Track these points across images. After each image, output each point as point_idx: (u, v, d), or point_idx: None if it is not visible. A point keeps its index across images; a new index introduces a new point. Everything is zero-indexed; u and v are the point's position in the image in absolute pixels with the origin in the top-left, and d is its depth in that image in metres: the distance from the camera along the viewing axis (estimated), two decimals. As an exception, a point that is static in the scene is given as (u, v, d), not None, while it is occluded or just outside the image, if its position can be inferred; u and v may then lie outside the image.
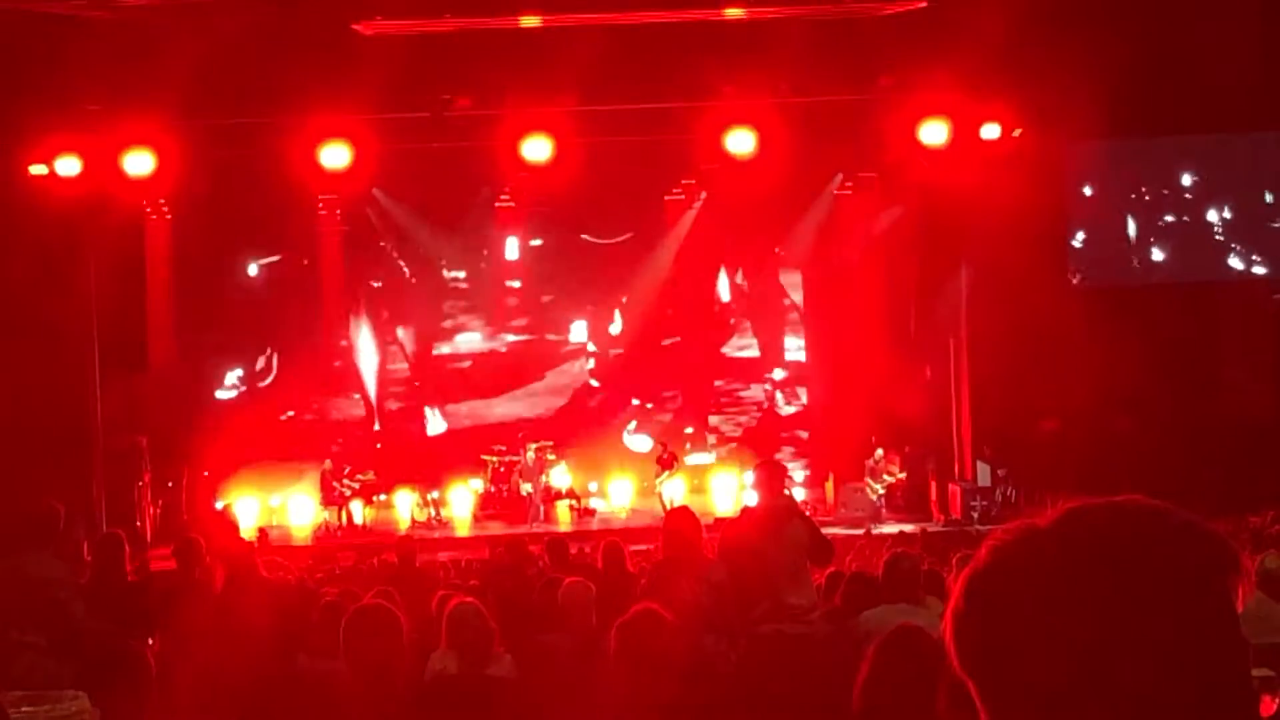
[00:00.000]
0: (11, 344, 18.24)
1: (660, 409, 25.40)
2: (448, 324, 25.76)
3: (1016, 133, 19.89)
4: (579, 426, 24.95)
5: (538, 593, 9.13)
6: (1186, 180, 22.06)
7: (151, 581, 10.51)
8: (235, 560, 8.05)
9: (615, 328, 25.73)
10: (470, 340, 25.79)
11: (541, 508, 22.18)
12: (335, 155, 19.23)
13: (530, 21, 18.33)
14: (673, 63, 18.68)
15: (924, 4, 17.63)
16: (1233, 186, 22.04)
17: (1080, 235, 21.95)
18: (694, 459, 24.10)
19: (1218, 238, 22.08)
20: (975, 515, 20.63)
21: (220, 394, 24.31)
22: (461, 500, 22.97)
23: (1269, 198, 22.00)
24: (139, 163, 18.90)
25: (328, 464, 23.03)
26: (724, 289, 25.88)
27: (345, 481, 22.69)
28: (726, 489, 22.64)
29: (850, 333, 23.51)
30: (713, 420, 25.47)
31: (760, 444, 23.77)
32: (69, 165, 18.62)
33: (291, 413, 24.51)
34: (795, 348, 25.74)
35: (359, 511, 22.29)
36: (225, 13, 17.49)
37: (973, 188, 20.27)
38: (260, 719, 6.34)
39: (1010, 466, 20.97)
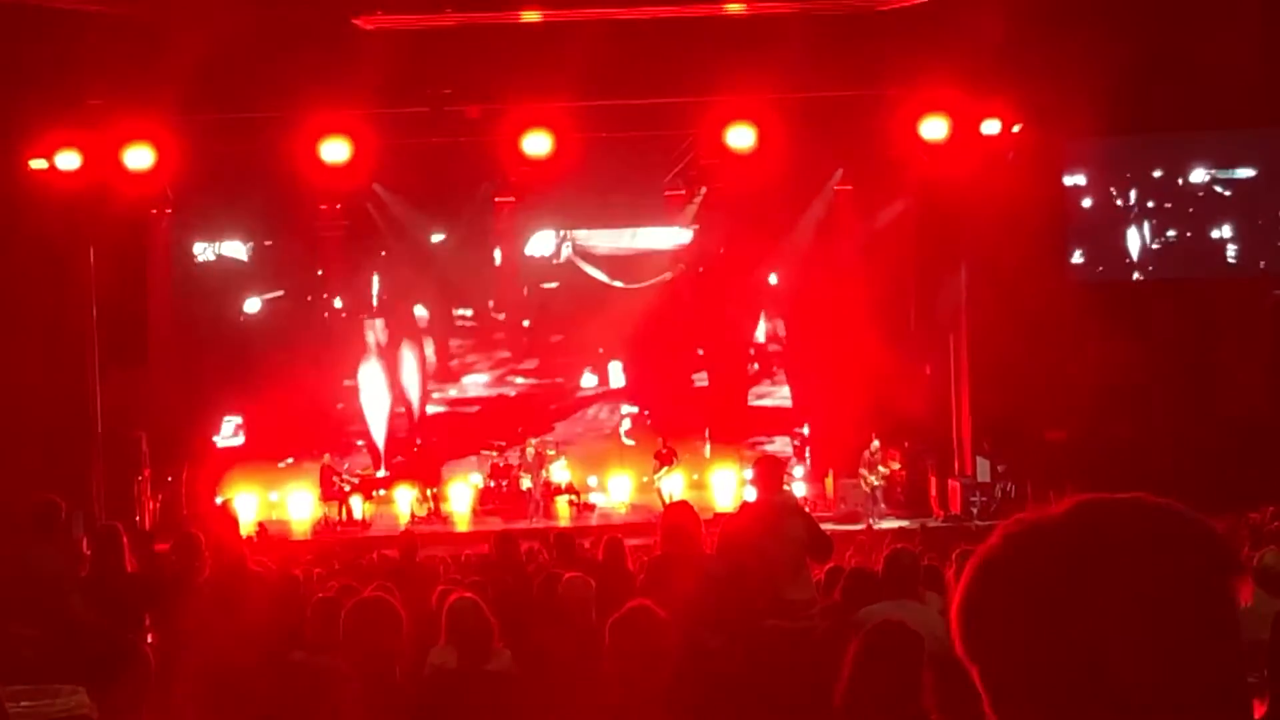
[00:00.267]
0: (12, 339, 18.25)
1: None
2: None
3: (1016, 129, 19.91)
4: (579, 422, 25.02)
5: (537, 588, 9.13)
6: (1186, 176, 22.05)
7: (150, 576, 10.50)
8: (226, 555, 8.03)
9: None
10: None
11: (541, 503, 22.19)
12: (335, 150, 19.25)
13: (531, 17, 18.33)
14: (673, 58, 18.66)
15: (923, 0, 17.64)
16: (1232, 183, 22.04)
17: (1079, 231, 21.92)
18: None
19: (1216, 234, 22.07)
20: (975, 511, 20.65)
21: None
22: (461, 495, 23.00)
23: (1268, 194, 21.99)
24: (139, 157, 18.91)
25: (327, 458, 23.04)
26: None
27: (344, 476, 22.70)
28: (726, 484, 22.64)
29: (850, 329, 23.50)
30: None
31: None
32: (69, 160, 18.63)
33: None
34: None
35: (358, 506, 22.29)
36: (226, 8, 17.49)
37: (972, 184, 20.29)
38: (257, 713, 6.34)
39: (1010, 462, 20.97)
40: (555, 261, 25.63)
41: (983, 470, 21.35)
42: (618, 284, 25.26)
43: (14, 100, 17.94)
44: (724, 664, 7.49)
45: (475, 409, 25.50)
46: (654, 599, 6.08)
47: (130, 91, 18.14)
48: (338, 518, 22.15)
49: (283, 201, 22.59)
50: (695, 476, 23.42)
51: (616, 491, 23.28)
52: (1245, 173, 22.04)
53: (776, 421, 25.40)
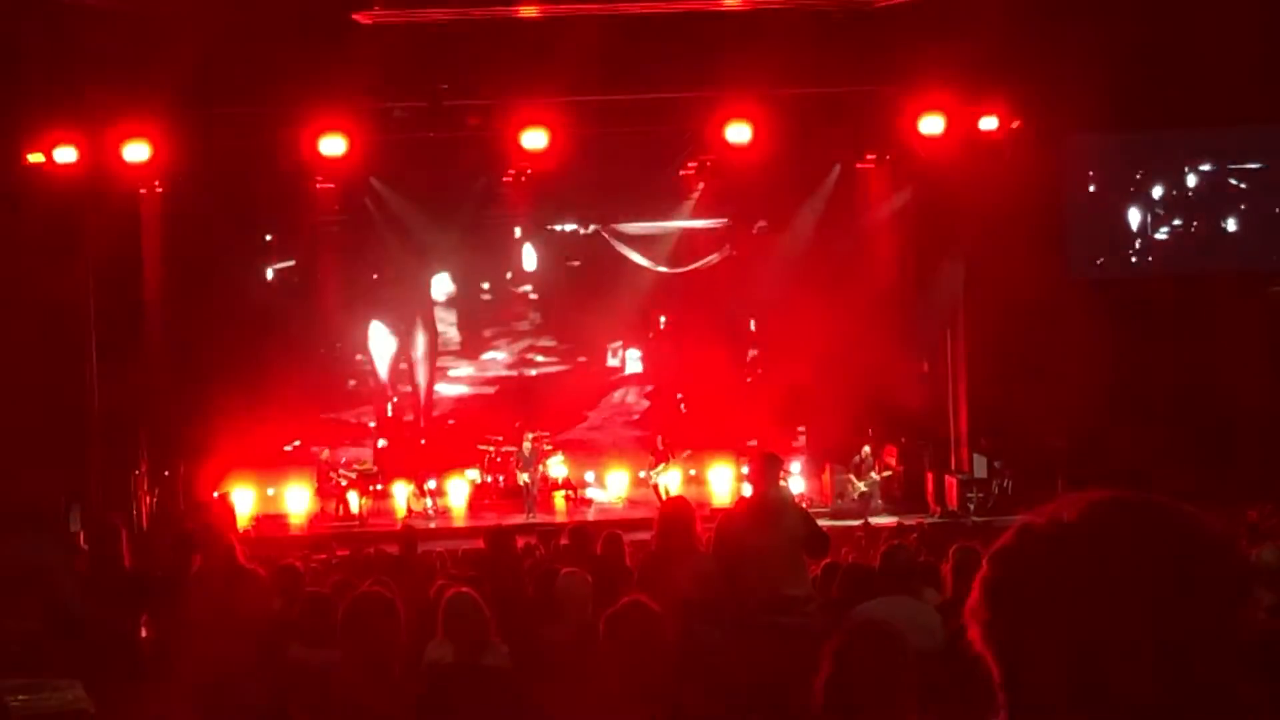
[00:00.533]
0: (9, 333, 18.24)
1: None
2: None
3: (1015, 124, 19.91)
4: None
5: (535, 584, 9.14)
6: (1184, 172, 22.06)
7: (148, 570, 10.50)
8: (221, 549, 8.01)
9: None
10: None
11: (538, 498, 22.20)
12: (333, 144, 19.25)
13: (528, 11, 18.33)
14: (672, 53, 18.66)
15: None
16: (1233, 178, 22.04)
17: (1078, 227, 21.92)
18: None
19: (1216, 229, 22.08)
20: (972, 507, 20.63)
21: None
22: (458, 490, 23.01)
23: (1269, 190, 22.00)
24: (136, 150, 18.92)
25: (325, 453, 23.03)
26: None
27: (341, 471, 22.71)
28: (723, 480, 22.64)
29: (847, 324, 23.50)
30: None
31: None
32: (66, 153, 18.62)
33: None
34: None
35: (355, 501, 22.30)
36: (224, 2, 17.48)
37: (970, 179, 20.29)
38: (254, 708, 6.34)
39: (1007, 458, 20.97)
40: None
41: (980, 467, 21.34)
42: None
43: (11, 94, 17.92)
44: (720, 660, 7.50)
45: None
46: (650, 594, 6.09)
47: (128, 85, 18.12)
48: (334, 513, 22.17)
49: (281, 195, 22.57)
50: (693, 472, 23.44)
51: (614, 486, 23.30)
52: (1247, 168, 22.04)
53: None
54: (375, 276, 25.11)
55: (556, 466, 23.17)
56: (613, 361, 25.79)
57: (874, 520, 20.16)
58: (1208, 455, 19.08)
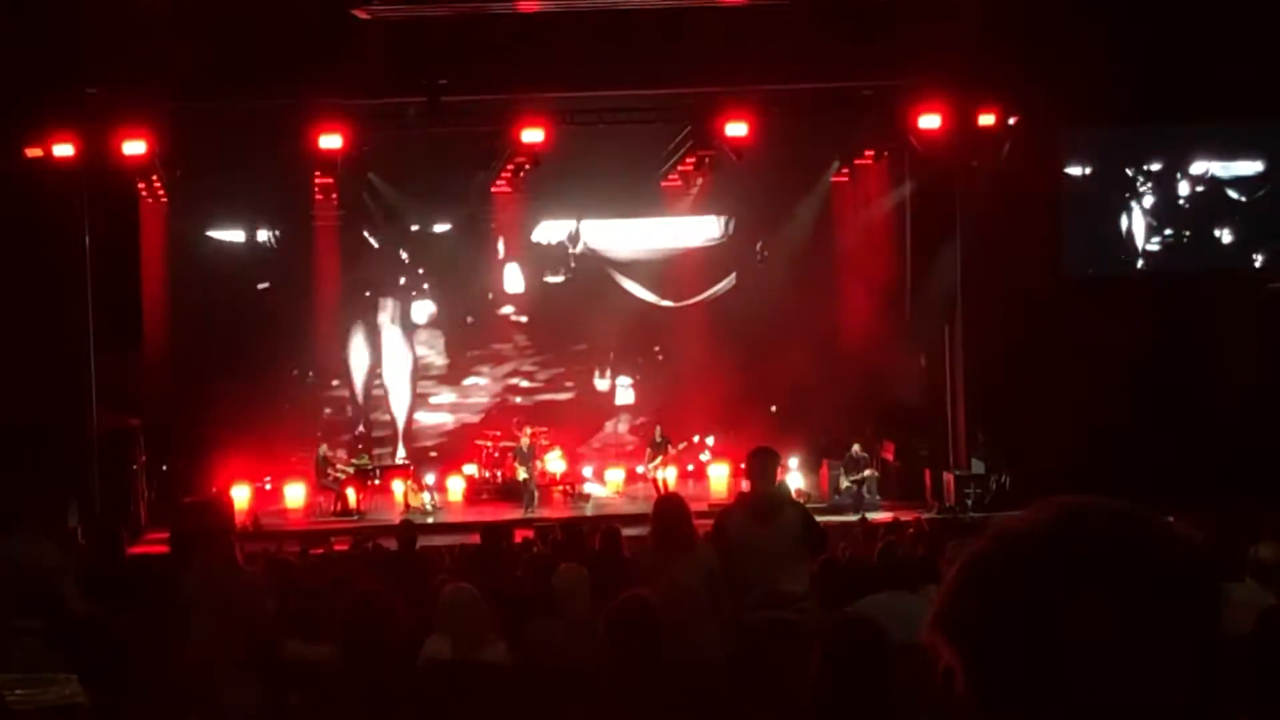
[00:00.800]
0: (6, 327, 18.22)
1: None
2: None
3: (1012, 120, 19.90)
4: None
5: (532, 579, 9.14)
6: (1183, 169, 22.04)
7: (145, 566, 10.51)
8: (218, 545, 8.01)
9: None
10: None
11: (536, 493, 22.19)
12: (331, 139, 19.26)
13: (527, 6, 18.33)
14: (670, 49, 18.65)
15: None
16: (1233, 176, 22.03)
17: (1076, 223, 21.90)
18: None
19: (1215, 227, 22.06)
20: (969, 503, 20.61)
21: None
22: (456, 486, 23.01)
23: (1269, 188, 21.98)
24: (134, 144, 18.91)
25: (323, 448, 23.02)
26: None
27: (339, 466, 22.70)
28: (721, 476, 22.64)
29: (845, 320, 23.51)
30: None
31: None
32: (64, 147, 18.61)
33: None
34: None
35: (352, 496, 22.28)
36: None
37: (968, 175, 20.28)
38: (251, 704, 6.35)
39: (1004, 454, 20.96)
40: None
41: (977, 463, 21.35)
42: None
43: (10, 88, 17.90)
44: (717, 655, 7.50)
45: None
46: (647, 589, 6.09)
47: (126, 79, 18.11)
48: (332, 508, 22.15)
49: (279, 189, 22.55)
50: (690, 468, 23.43)
51: (612, 482, 23.31)
52: (1247, 166, 22.02)
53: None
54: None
55: (554, 462, 23.17)
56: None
57: (871, 516, 20.15)
58: (1205, 451, 19.09)
